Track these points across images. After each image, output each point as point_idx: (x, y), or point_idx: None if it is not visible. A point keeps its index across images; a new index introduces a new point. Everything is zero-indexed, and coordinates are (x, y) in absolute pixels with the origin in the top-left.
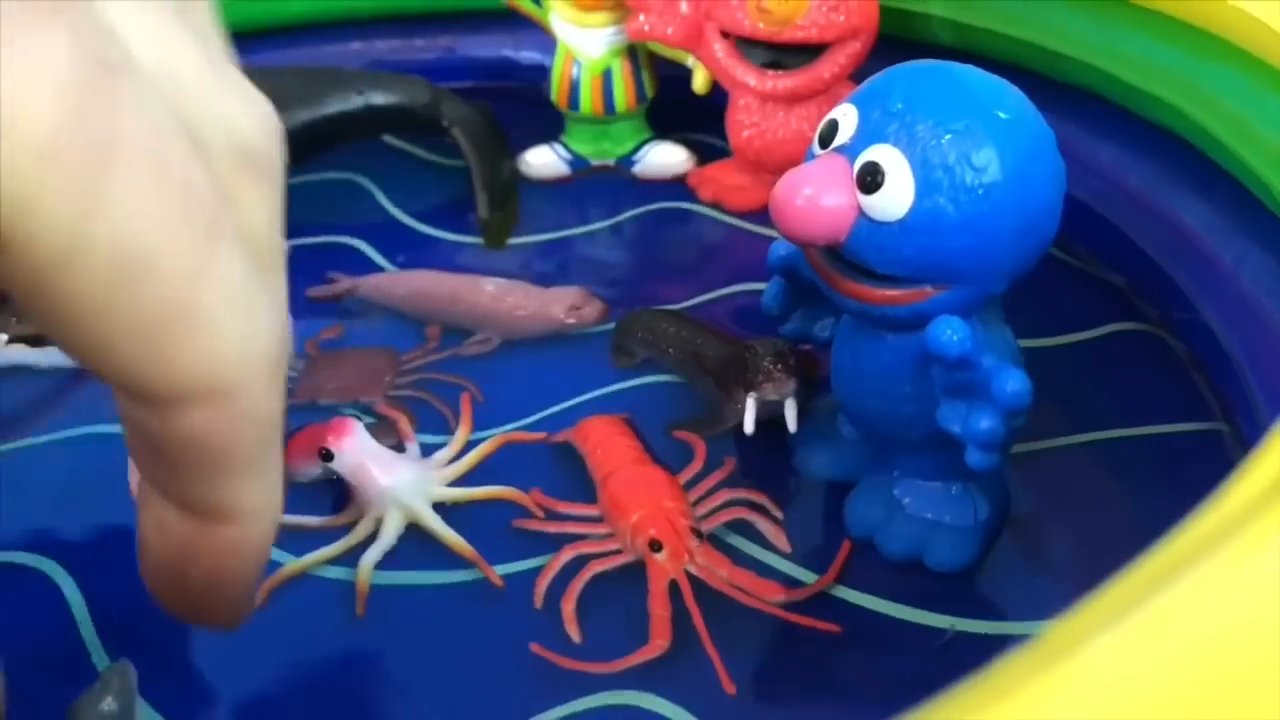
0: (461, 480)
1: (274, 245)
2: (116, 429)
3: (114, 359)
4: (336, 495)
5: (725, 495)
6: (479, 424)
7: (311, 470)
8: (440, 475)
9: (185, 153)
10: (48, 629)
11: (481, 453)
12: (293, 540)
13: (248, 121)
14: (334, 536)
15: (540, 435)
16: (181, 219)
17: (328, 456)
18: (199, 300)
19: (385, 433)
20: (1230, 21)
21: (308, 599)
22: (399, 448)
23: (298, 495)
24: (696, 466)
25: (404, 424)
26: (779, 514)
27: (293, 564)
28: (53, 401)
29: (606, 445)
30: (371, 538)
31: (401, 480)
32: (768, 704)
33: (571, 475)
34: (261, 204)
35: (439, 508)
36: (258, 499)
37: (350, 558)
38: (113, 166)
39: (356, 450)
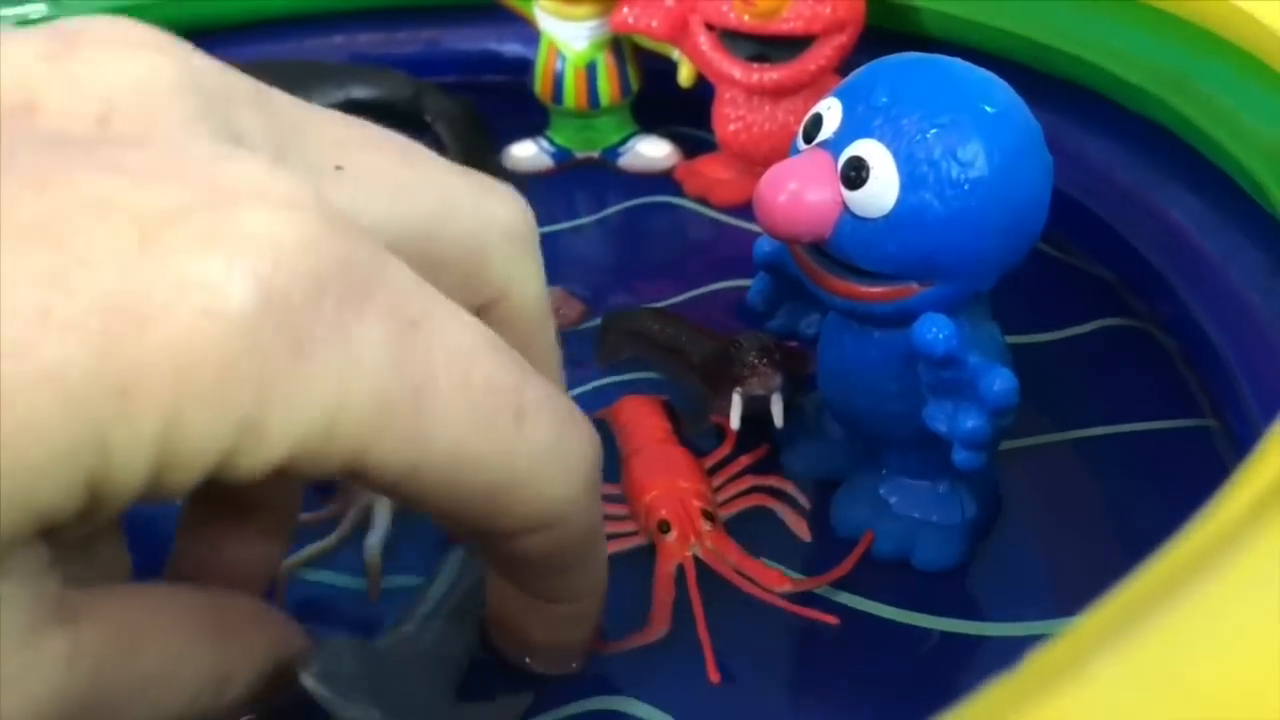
0: None
1: (545, 310)
2: None
3: (458, 521)
4: (323, 489)
5: (750, 481)
6: None
7: None
8: None
9: (484, 360)
10: None
11: None
12: None
13: (506, 211)
14: (320, 534)
15: None
16: (491, 419)
17: None
18: (517, 470)
19: None
20: (1221, 16)
21: (294, 599)
22: None
23: None
24: (725, 450)
25: None
26: (805, 502)
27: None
28: None
29: (635, 424)
30: (364, 528)
31: None
32: (751, 703)
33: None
34: (535, 276)
35: None
36: (583, 585)
37: (332, 560)
38: (429, 407)
39: None
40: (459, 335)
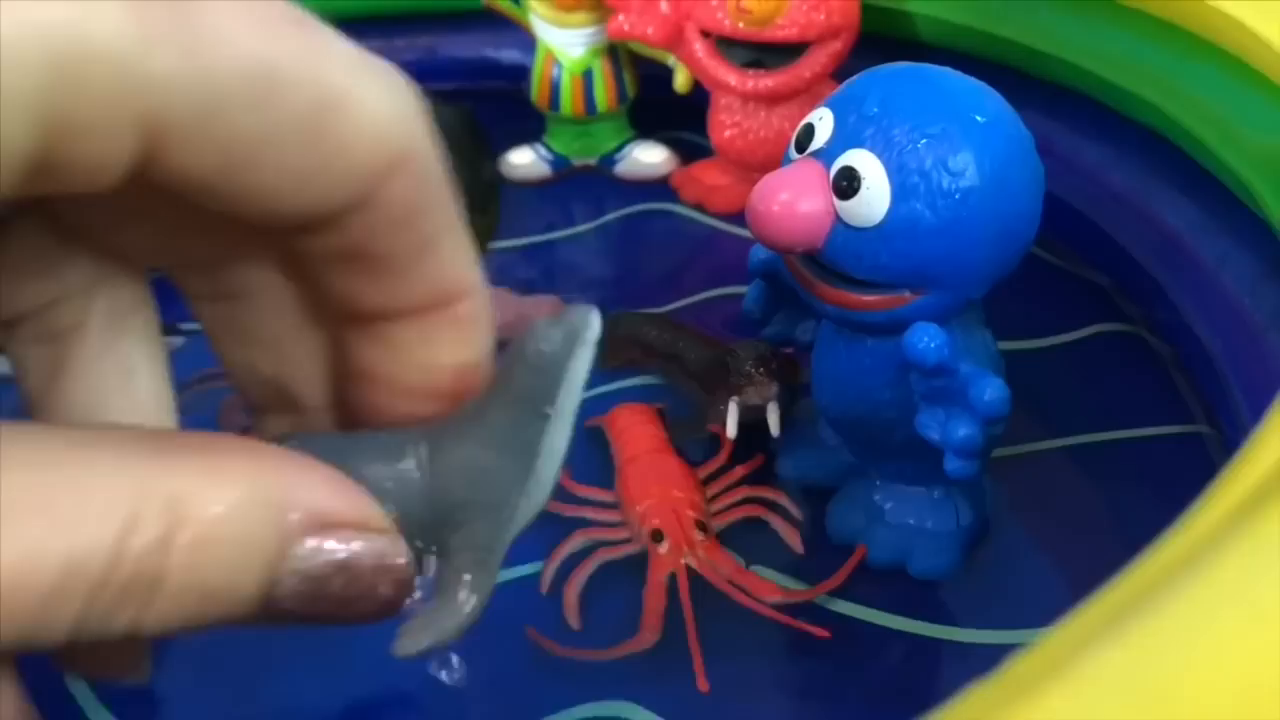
0: None
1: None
2: None
3: (298, 182)
4: None
5: (744, 492)
6: None
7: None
8: None
9: None
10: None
11: None
12: None
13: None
14: None
15: None
16: (274, 21)
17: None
18: (335, 81)
19: None
20: (1212, 22)
21: None
22: None
23: None
24: (721, 460)
25: None
26: (798, 514)
27: None
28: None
29: (630, 432)
30: None
31: None
32: (742, 711)
33: (601, 461)
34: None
35: None
36: (472, 262)
37: None
38: (196, 23)
39: None
40: None
